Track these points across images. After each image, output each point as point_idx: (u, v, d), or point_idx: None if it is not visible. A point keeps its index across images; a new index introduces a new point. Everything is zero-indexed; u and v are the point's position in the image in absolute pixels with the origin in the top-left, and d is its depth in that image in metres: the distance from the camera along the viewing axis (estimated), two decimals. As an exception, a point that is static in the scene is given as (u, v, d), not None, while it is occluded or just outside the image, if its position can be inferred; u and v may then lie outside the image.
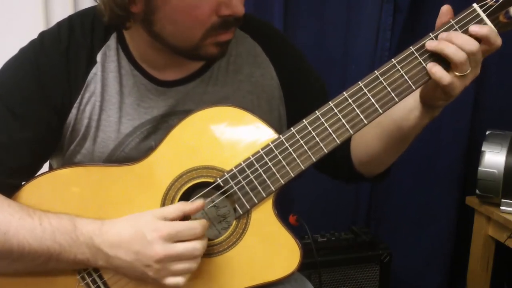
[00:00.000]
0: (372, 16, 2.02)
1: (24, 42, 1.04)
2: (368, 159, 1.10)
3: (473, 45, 0.88)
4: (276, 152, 0.97)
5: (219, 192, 0.99)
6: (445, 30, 0.92)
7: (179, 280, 0.92)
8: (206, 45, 0.98)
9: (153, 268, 0.91)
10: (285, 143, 0.97)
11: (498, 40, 0.89)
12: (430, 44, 0.91)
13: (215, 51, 1.00)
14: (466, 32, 0.90)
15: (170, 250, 0.91)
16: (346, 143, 1.08)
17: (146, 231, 0.92)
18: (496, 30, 0.91)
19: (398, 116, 0.99)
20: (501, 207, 1.85)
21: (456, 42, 0.88)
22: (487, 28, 0.89)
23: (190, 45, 0.97)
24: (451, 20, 0.92)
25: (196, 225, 0.93)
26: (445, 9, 0.93)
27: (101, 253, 0.93)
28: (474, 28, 0.89)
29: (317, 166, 1.14)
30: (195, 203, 0.95)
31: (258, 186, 0.97)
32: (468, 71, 0.89)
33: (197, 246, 0.92)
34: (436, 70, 0.90)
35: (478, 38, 0.89)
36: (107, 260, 0.93)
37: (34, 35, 1.04)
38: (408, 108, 0.98)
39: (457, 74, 0.89)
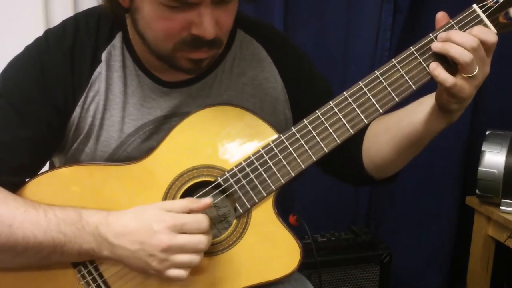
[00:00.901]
0: (372, 16, 2.02)
1: (24, 42, 1.04)
2: (381, 162, 1.08)
3: (473, 40, 0.88)
4: (277, 151, 0.97)
5: (219, 190, 0.99)
6: (445, 31, 0.92)
7: (182, 272, 0.93)
8: (178, 58, 0.97)
9: (157, 258, 0.92)
10: (286, 142, 0.97)
11: (490, 37, 0.89)
12: (436, 45, 0.91)
13: (188, 66, 0.98)
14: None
15: (175, 240, 0.91)
16: (357, 145, 1.09)
17: (152, 221, 0.92)
18: (496, 30, 0.91)
19: (415, 120, 0.99)
20: (501, 207, 1.85)
21: (457, 40, 0.88)
22: (477, 29, 0.89)
23: (165, 54, 0.97)
24: (451, 20, 0.92)
25: (202, 219, 0.93)
26: (440, 15, 0.93)
27: (106, 243, 0.93)
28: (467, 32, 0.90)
29: (325, 168, 1.14)
30: (203, 202, 0.95)
31: (259, 185, 0.98)
32: (476, 72, 0.89)
33: (202, 239, 0.93)
34: (438, 72, 0.90)
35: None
36: (112, 250, 0.94)
37: (34, 35, 1.04)
38: (425, 112, 0.97)
39: (465, 76, 0.89)
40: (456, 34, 0.89)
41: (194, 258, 0.93)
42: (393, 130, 1.03)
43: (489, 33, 0.89)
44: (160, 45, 0.96)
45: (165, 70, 1.04)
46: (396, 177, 1.13)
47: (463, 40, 0.88)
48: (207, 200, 0.95)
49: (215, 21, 0.92)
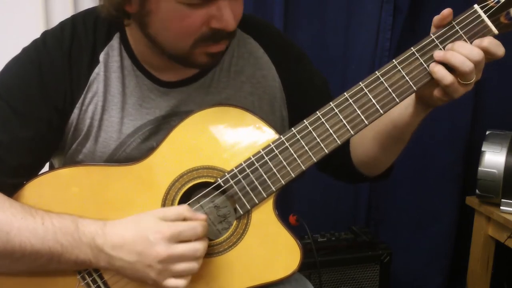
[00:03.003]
0: (372, 16, 2.02)
1: (24, 42, 1.04)
2: (367, 160, 1.10)
3: (478, 54, 0.89)
4: (277, 152, 0.97)
5: (219, 191, 0.99)
6: (446, 31, 0.92)
7: (180, 282, 0.92)
8: (196, 54, 0.97)
9: (155, 268, 0.91)
10: (286, 143, 0.97)
11: (499, 50, 0.91)
12: (438, 54, 0.92)
13: (205, 61, 0.99)
14: (467, 33, 0.91)
15: (172, 250, 0.91)
16: (346, 143, 1.09)
17: (149, 232, 0.92)
18: (497, 31, 0.91)
19: (393, 114, 1.00)
20: (501, 207, 1.85)
21: (462, 52, 0.89)
22: (487, 40, 0.90)
23: (182, 52, 0.97)
24: (452, 21, 0.92)
25: (197, 225, 0.93)
26: (446, 13, 0.93)
27: (103, 254, 0.93)
28: (475, 42, 0.91)
29: (319, 166, 1.15)
30: (197, 216, 0.95)
31: (259, 186, 0.97)
32: (473, 80, 0.90)
33: (198, 246, 0.93)
34: (438, 69, 0.91)
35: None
36: (109, 261, 0.93)
37: (34, 35, 1.04)
38: (404, 106, 0.98)
39: (462, 82, 0.90)
40: (461, 46, 0.90)
41: (193, 265, 0.93)
42: (375, 128, 1.04)
43: (499, 46, 0.90)
44: (178, 44, 0.95)
45: (166, 69, 1.04)
46: (389, 173, 1.15)
47: (468, 53, 0.89)
48: (202, 216, 0.95)
49: (233, 12, 0.93)
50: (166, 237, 0.91)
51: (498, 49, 0.90)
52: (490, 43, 0.90)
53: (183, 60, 0.99)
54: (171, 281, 0.92)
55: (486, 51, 0.90)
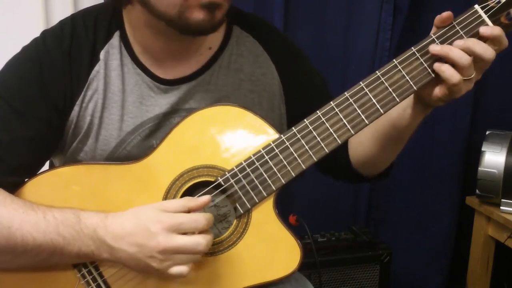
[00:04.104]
0: (372, 16, 2.02)
1: (24, 42, 1.04)
2: (365, 160, 1.11)
3: (479, 46, 0.89)
4: (277, 151, 0.97)
5: (220, 190, 0.99)
6: (447, 31, 0.93)
7: (183, 268, 0.92)
8: (190, 8, 0.93)
9: (156, 258, 0.91)
10: (286, 142, 0.97)
11: (505, 41, 0.91)
12: (434, 48, 0.91)
13: (201, 17, 0.93)
14: (468, 33, 0.92)
15: (173, 241, 0.91)
16: (345, 143, 1.09)
17: (149, 223, 0.92)
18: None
19: (392, 115, 1.00)
20: (501, 207, 1.85)
21: (459, 45, 0.90)
22: (498, 29, 0.90)
23: (175, 10, 0.93)
24: (452, 21, 0.92)
25: (199, 218, 0.93)
26: (446, 16, 0.92)
27: (105, 245, 0.93)
28: (485, 30, 0.90)
29: (320, 168, 1.15)
30: (201, 199, 0.94)
31: (259, 186, 0.97)
32: (473, 75, 0.90)
33: (201, 240, 0.91)
34: (445, 68, 0.91)
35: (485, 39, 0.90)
36: (111, 253, 0.94)
37: (34, 35, 1.05)
38: (402, 106, 0.99)
39: (463, 78, 0.90)
40: (459, 41, 0.91)
41: (193, 258, 0.93)
42: (373, 128, 1.04)
43: (505, 38, 0.90)
44: None
45: (166, 60, 1.04)
46: (388, 173, 1.15)
47: (465, 46, 0.89)
48: (205, 197, 0.95)
49: None
50: (166, 227, 0.91)
51: (504, 40, 0.90)
52: (501, 31, 0.90)
53: (179, 23, 0.95)
54: (175, 269, 0.92)
55: (496, 40, 0.89)
